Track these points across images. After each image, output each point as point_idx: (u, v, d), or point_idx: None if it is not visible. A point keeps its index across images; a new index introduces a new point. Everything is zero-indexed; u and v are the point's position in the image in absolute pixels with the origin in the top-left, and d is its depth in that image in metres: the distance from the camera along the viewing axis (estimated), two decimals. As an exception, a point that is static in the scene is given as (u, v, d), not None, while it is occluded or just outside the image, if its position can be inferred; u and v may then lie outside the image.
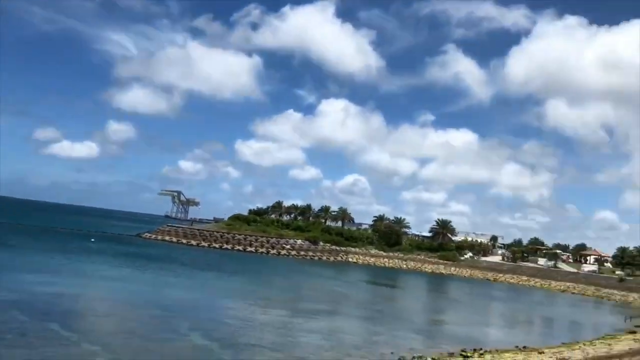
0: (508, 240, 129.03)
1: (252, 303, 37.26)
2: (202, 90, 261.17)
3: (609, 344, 29.76)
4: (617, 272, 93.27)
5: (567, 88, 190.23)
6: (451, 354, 25.35)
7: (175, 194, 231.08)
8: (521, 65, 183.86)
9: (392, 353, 24.16)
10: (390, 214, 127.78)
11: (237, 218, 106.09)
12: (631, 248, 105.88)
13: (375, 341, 27.59)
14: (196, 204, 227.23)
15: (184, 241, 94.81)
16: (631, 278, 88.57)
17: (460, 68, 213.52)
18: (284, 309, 35.96)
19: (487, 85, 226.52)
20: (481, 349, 27.19)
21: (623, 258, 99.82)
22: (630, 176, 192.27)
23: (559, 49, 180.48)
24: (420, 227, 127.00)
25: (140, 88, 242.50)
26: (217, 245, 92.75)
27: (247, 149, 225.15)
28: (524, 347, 29.35)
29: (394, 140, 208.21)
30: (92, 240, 79.19)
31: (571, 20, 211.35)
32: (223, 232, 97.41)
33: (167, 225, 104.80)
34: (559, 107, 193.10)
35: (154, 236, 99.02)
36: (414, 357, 21.09)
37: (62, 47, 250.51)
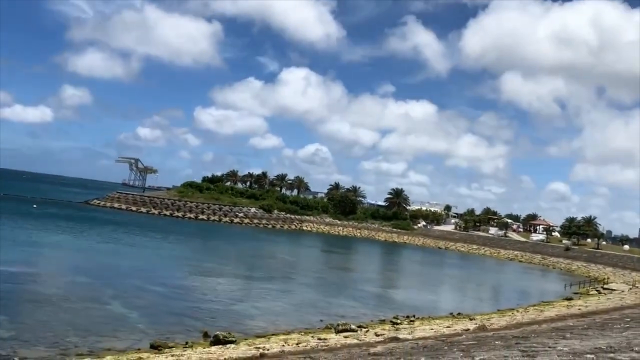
0: (462, 210, 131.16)
1: (188, 271, 36.15)
2: (161, 55, 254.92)
3: (541, 310, 29.97)
4: (563, 242, 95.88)
5: (521, 62, 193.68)
6: (382, 321, 24.91)
7: (133, 161, 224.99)
8: (477, 39, 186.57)
9: (321, 321, 23.55)
10: (350, 183, 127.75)
11: (189, 185, 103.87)
12: (579, 218, 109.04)
13: (308, 309, 26.86)
14: (154, 171, 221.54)
15: (134, 208, 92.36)
16: (576, 247, 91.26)
17: (420, 40, 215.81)
18: (220, 276, 35.03)
19: (445, 58, 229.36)
20: (414, 316, 26.92)
21: (570, 228, 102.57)
22: (581, 149, 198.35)
23: (514, 24, 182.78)
24: (379, 197, 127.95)
25: (96, 52, 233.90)
26: (167, 213, 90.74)
27: (207, 116, 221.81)
28: (458, 313, 29.33)
29: (354, 111, 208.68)
30: (34, 206, 76.03)
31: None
32: (174, 200, 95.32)
33: (117, 192, 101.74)
34: (513, 81, 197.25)
35: (102, 203, 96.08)
36: (338, 324, 20.36)
37: (13, 7, 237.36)
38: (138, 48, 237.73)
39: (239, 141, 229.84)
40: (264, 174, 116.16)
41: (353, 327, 20.11)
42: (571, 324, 17.85)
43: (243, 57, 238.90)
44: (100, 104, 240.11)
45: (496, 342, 10.20)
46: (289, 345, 16.44)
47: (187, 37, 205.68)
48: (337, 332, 19.97)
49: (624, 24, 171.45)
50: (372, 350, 11.04)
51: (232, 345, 16.87)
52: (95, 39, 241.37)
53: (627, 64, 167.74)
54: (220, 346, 16.74)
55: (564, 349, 7.70)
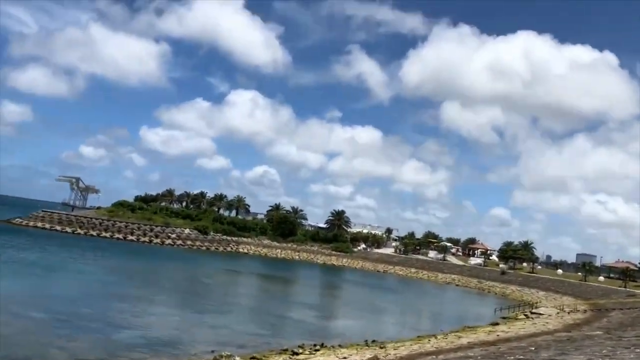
0: (404, 233, 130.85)
1: (85, 292, 32.86)
2: (106, 74, 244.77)
3: (460, 337, 28.49)
4: (500, 266, 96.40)
5: (459, 92, 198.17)
6: (284, 351, 22.72)
7: (74, 180, 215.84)
8: (416, 69, 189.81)
9: (212, 351, 21.12)
10: (298, 205, 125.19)
11: (120, 204, 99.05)
12: (516, 242, 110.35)
13: (204, 338, 24.38)
14: (96, 191, 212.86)
15: (59, 228, 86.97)
16: (512, 271, 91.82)
17: (364, 68, 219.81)
18: (121, 299, 31.95)
19: (387, 86, 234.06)
20: (322, 344, 24.91)
21: (507, 252, 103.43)
22: (518, 176, 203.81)
23: (451, 55, 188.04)
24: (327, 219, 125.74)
25: (39, 68, 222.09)
26: (94, 233, 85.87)
27: (154, 136, 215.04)
28: (373, 341, 27.48)
29: (302, 134, 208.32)
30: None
31: (465, 29, 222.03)
32: (102, 219, 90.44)
33: (42, 211, 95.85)
34: (453, 110, 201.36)
35: (25, 222, 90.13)
36: (222, 356, 18.05)
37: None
38: (83, 66, 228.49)
39: (186, 162, 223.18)
40: (202, 194, 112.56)
41: (237, 359, 17.84)
42: (471, 354, 16.26)
43: (191, 78, 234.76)
44: (42, 121, 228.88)
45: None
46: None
47: (133, 57, 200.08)
48: (220, 365, 17.69)
49: (553, 59, 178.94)
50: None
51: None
52: (38, 55, 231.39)
53: (556, 96, 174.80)
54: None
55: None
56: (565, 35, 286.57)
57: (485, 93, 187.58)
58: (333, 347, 24.79)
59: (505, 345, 19.24)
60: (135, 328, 24.43)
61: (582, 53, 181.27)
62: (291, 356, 20.81)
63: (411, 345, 24.18)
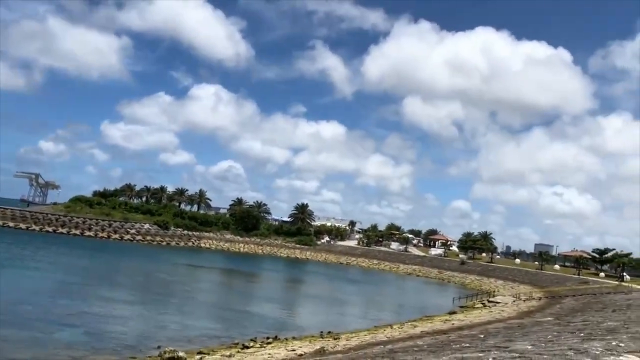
0: (368, 226, 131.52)
1: (31, 290, 31.50)
2: (66, 68, 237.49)
3: (415, 326, 28.50)
4: (460, 256, 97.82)
5: (420, 87, 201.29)
6: (235, 344, 22.16)
7: (33, 176, 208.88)
8: (378, 64, 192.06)
9: (158, 347, 20.40)
10: (264, 200, 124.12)
11: (78, 200, 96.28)
12: (476, 233, 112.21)
13: (151, 333, 23.62)
14: (56, 187, 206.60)
15: (11, 224, 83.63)
16: (471, 261, 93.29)
17: (327, 64, 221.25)
18: (69, 296, 30.77)
19: (350, 82, 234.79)
20: (276, 337, 24.51)
21: (467, 242, 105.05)
22: (478, 170, 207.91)
23: (411, 51, 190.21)
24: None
25: None
26: (50, 229, 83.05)
27: (116, 131, 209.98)
28: (329, 332, 27.18)
29: (267, 129, 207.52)
30: None
31: (425, 25, 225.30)
32: (59, 215, 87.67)
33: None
34: (414, 105, 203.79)
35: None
36: (165, 351, 17.39)
37: None
38: (41, 59, 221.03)
39: (148, 157, 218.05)
40: (162, 189, 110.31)
41: (181, 354, 17.20)
42: (420, 343, 16.06)
43: (153, 72, 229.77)
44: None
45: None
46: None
47: (94, 50, 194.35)
48: (163, 360, 17.04)
49: (511, 55, 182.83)
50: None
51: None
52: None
53: (513, 91, 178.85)
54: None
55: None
56: (521, 32, 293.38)
57: (445, 88, 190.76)
58: (287, 339, 24.39)
59: (456, 333, 19.16)
60: (80, 326, 23.43)
61: (538, 49, 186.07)
62: (241, 350, 20.27)
63: (365, 335, 23.98)
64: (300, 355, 15.36)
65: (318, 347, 16.98)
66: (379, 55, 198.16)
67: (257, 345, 21.25)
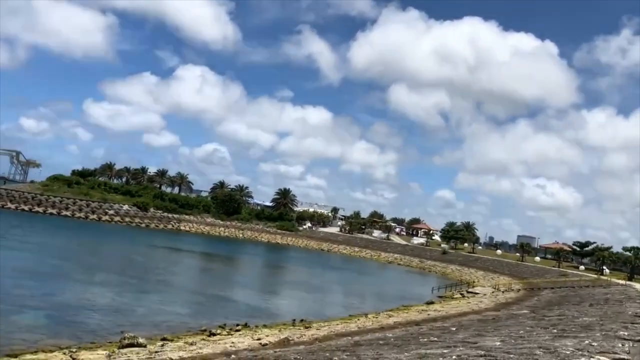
0: (350, 213, 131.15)
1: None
2: (50, 45, 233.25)
3: (390, 316, 28.04)
4: (442, 245, 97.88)
5: (406, 75, 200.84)
6: (203, 331, 21.48)
7: (14, 153, 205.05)
8: (365, 51, 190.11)
9: (121, 332, 19.62)
10: (248, 184, 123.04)
11: (56, 179, 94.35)
12: (459, 223, 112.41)
13: (116, 318, 22.82)
14: (37, 165, 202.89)
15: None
16: (453, 251, 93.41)
17: (314, 49, 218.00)
18: (35, 277, 29.77)
19: (336, 68, 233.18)
20: (246, 324, 23.86)
21: (449, 232, 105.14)
22: (463, 160, 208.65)
23: (398, 38, 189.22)
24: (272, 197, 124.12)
25: None
26: (26, 208, 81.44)
27: (99, 110, 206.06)
28: (301, 320, 26.64)
29: (252, 112, 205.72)
30: None
31: (413, 13, 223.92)
32: (35, 194, 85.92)
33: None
34: (400, 92, 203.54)
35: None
36: (125, 337, 16.63)
37: None
38: (24, 36, 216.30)
39: (132, 137, 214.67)
40: (143, 169, 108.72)
41: (141, 340, 16.46)
42: (389, 335, 15.49)
43: (138, 51, 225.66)
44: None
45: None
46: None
47: (78, 28, 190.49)
48: (122, 347, 16.29)
49: (497, 45, 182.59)
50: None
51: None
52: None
53: (499, 82, 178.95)
54: None
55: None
56: (509, 22, 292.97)
57: (431, 77, 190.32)
58: (257, 327, 23.77)
59: (428, 325, 18.66)
60: (42, 308, 22.56)
61: (525, 41, 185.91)
62: (207, 337, 19.58)
63: (337, 325, 23.44)
64: (264, 345, 14.73)
65: (284, 336, 16.34)
66: (366, 42, 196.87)
67: (225, 333, 20.60)
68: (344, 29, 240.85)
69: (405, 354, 9.04)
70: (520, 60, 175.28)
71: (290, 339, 15.21)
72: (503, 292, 49.50)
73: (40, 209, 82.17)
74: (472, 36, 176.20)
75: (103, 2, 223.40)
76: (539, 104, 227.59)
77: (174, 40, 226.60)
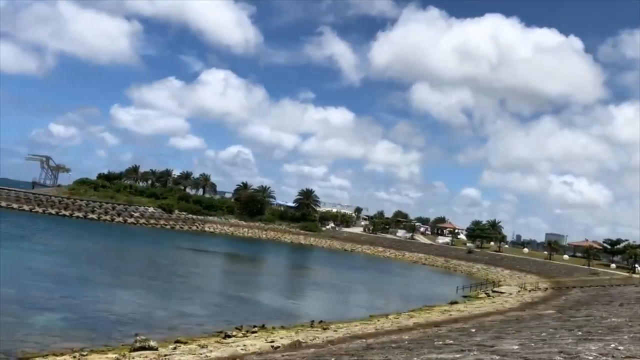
0: (374, 213, 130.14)
1: (17, 273, 30.70)
2: (76, 52, 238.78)
3: (412, 317, 27.37)
4: (467, 244, 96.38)
5: (428, 74, 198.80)
6: (218, 333, 21.18)
7: (44, 159, 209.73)
8: (385, 51, 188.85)
9: (136, 334, 19.39)
10: (273, 185, 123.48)
11: (82, 182, 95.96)
12: (484, 222, 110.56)
13: (133, 319, 22.68)
14: (67, 170, 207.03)
15: (15, 206, 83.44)
16: (479, 250, 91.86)
17: (335, 50, 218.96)
18: (57, 280, 29.98)
19: (357, 68, 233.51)
20: (263, 326, 23.50)
21: (475, 231, 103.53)
22: (487, 158, 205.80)
23: (420, 37, 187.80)
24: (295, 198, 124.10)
25: (6, 44, 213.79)
26: (53, 212, 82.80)
27: (125, 115, 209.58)
28: (320, 321, 26.13)
29: (275, 114, 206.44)
30: None
31: (434, 11, 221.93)
32: (62, 197, 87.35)
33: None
34: (422, 91, 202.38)
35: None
36: (136, 341, 16.42)
37: None
38: (51, 43, 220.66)
39: (159, 141, 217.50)
40: (168, 172, 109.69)
41: (152, 344, 16.22)
42: (405, 337, 14.94)
43: (163, 57, 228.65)
44: (10, 99, 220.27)
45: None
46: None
47: (104, 34, 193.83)
48: (134, 350, 16.07)
49: (520, 42, 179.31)
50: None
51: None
52: (5, 31, 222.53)
53: (523, 79, 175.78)
54: None
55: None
56: (531, 18, 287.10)
57: (453, 75, 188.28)
58: (274, 328, 23.39)
59: (448, 326, 18.04)
60: (59, 311, 22.55)
61: (548, 37, 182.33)
62: (222, 339, 19.27)
63: (355, 326, 22.92)
64: (276, 348, 14.34)
65: (297, 339, 15.92)
66: (387, 41, 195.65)
67: (240, 335, 20.27)
68: (365, 29, 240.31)
69: (415, 359, 8.51)
70: (544, 56, 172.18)
71: (303, 341, 14.80)
72: (529, 291, 48.26)
73: (67, 213, 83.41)
74: (494, 33, 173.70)
75: (128, 9, 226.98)
76: (564, 100, 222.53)
77: (197, 45, 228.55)
